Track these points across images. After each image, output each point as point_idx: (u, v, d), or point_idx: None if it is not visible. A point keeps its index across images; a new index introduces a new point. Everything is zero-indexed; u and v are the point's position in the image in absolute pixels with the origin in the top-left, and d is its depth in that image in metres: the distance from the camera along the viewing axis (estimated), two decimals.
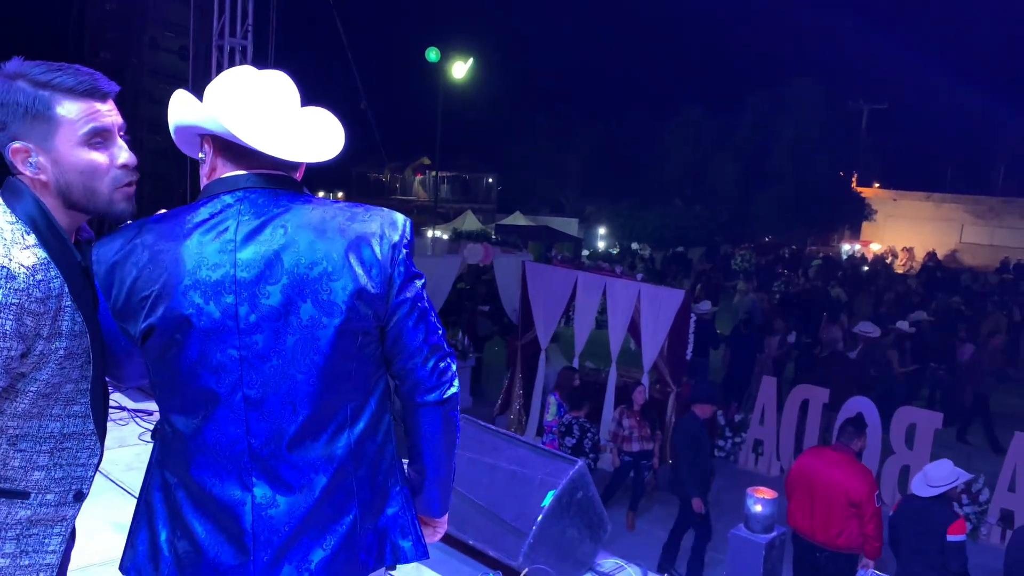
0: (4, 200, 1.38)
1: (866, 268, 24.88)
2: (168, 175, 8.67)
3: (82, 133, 1.36)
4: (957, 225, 33.84)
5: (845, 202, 31.76)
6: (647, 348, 8.27)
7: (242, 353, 1.32)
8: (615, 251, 27.80)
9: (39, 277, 1.31)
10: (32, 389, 1.35)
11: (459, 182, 38.30)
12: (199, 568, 1.36)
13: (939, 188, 35.74)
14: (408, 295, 1.40)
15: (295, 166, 1.44)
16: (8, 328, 1.27)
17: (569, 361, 9.03)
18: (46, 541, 1.43)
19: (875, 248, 31.77)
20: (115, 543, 3.50)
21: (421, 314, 1.42)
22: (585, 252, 25.92)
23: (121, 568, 1.45)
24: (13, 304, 1.27)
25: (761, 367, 9.92)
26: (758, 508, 3.50)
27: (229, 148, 1.39)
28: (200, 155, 1.45)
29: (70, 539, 1.51)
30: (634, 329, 8.57)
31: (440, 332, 1.47)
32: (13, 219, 1.35)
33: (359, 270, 1.35)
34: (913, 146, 35.01)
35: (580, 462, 3.03)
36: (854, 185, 34.36)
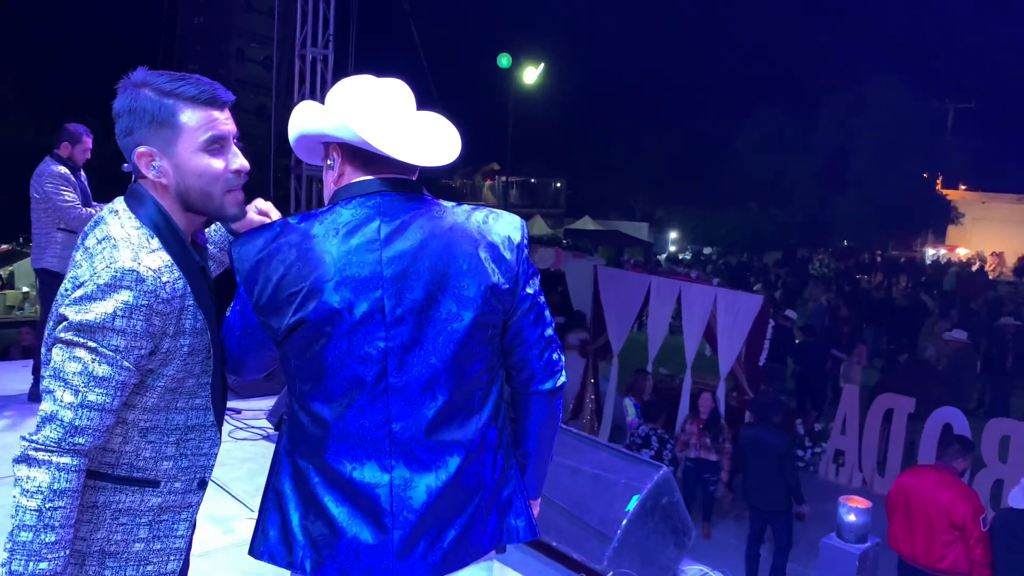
0: (129, 206, 1.47)
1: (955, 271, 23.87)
2: (252, 179, 8.92)
3: (202, 140, 1.44)
4: None
5: (929, 205, 30.58)
6: (724, 355, 8.13)
7: (388, 344, 1.40)
8: (687, 255, 27.42)
9: (164, 279, 1.40)
10: (160, 384, 1.43)
11: (527, 187, 38.41)
12: (336, 549, 1.43)
13: None
14: (530, 291, 1.51)
15: (416, 169, 1.52)
16: (139, 328, 1.36)
17: (643, 367, 8.95)
18: (175, 526, 1.52)
19: (962, 253, 30.48)
20: (208, 533, 3.65)
21: (540, 309, 1.53)
22: (661, 255, 25.65)
23: (252, 553, 1.51)
24: (143, 306, 1.36)
25: (844, 375, 9.63)
26: (852, 517, 3.39)
27: (358, 155, 1.47)
28: (328, 162, 1.52)
29: (193, 525, 1.58)
30: (710, 335, 8.44)
31: (552, 325, 1.56)
32: (138, 224, 1.44)
33: (491, 267, 1.45)
34: (1004, 146, 33.43)
35: (664, 467, 3.00)
36: (939, 187, 33.04)
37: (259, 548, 1.50)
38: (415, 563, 1.42)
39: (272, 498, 1.50)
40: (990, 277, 24.28)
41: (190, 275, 1.45)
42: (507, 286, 1.46)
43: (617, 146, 34.49)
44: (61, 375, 1.32)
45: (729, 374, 8.12)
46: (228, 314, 1.56)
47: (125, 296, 1.34)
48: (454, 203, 1.53)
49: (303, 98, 8.10)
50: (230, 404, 5.54)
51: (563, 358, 1.59)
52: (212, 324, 1.50)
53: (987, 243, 31.12)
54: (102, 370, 1.33)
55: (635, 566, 2.86)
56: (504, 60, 20.34)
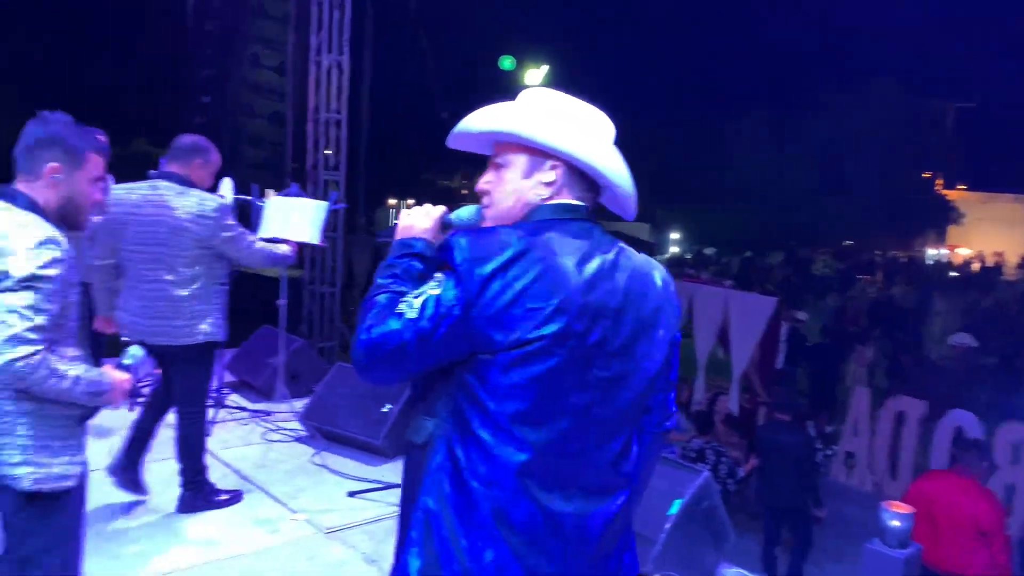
0: None
1: (955, 274, 23.98)
2: (268, 183, 9.00)
3: None
4: None
5: (929, 205, 30.68)
6: (737, 357, 8.23)
7: (602, 375, 1.43)
8: (688, 256, 27.48)
9: None
10: None
11: None
12: None
13: None
14: (679, 335, 1.58)
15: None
16: None
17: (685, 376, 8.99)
18: None
19: (963, 252, 30.59)
20: (254, 534, 3.74)
21: (677, 354, 1.60)
22: (663, 256, 25.70)
23: None
24: None
25: (853, 377, 9.72)
26: (895, 523, 3.47)
27: (584, 179, 1.52)
28: (544, 176, 1.51)
29: None
30: (723, 337, 8.53)
31: None
32: None
33: (672, 315, 1.53)
34: (1004, 146, 33.51)
35: (705, 472, 3.09)
36: (939, 187, 33.16)
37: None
38: None
39: (426, 520, 1.42)
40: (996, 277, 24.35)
41: None
42: (676, 331, 1.55)
43: (616, 145, 34.47)
44: None
45: (742, 376, 8.22)
46: (415, 312, 1.39)
47: None
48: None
49: (319, 103, 8.17)
50: (261, 406, 5.63)
51: None
52: None
53: (987, 243, 31.23)
54: None
55: (678, 569, 2.95)
56: (507, 62, 20.39)
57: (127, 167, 4.93)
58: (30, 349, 1.92)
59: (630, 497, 1.52)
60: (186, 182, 3.59)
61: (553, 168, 1.51)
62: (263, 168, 9.27)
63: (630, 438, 1.52)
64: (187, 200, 3.53)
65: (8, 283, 1.93)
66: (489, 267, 1.36)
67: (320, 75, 8.51)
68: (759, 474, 6.49)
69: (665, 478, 3.13)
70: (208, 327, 3.66)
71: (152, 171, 4.98)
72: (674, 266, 21.26)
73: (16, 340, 1.91)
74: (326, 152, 8.03)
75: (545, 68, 22.59)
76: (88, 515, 2.60)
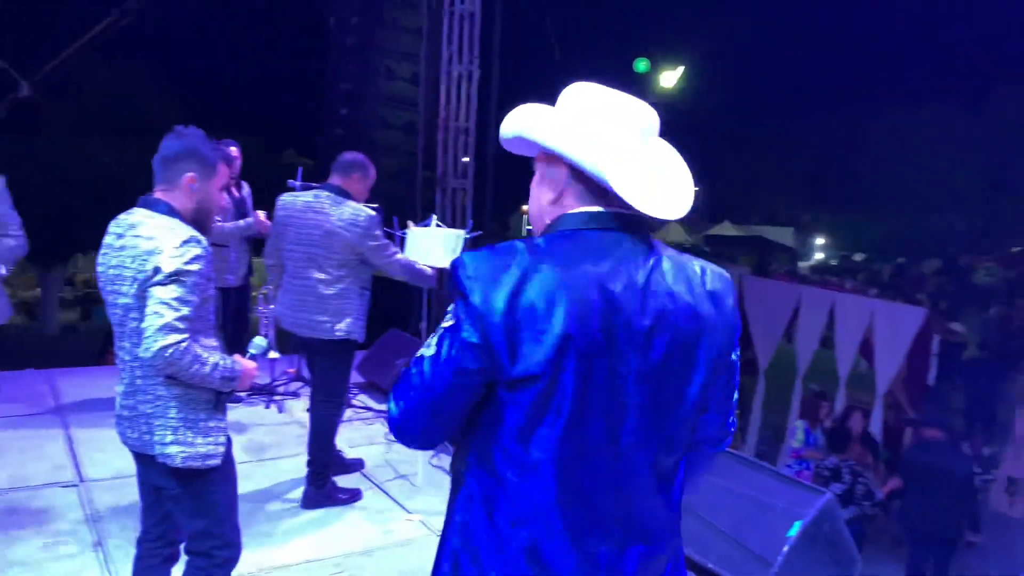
0: None
1: None
2: (400, 195, 9.30)
3: None
4: None
5: None
6: (881, 371, 7.69)
7: (628, 401, 1.30)
8: (835, 263, 26.09)
9: None
10: None
11: None
12: None
13: None
14: (738, 352, 1.44)
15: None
16: None
17: (791, 382, 8.60)
18: None
19: None
20: (368, 533, 3.84)
21: (736, 372, 1.47)
22: (807, 263, 24.55)
23: None
24: None
25: (1018, 396, 8.85)
26: None
27: (588, 183, 1.34)
28: (555, 180, 1.38)
29: None
30: (866, 350, 8.00)
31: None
32: None
33: (719, 331, 1.37)
34: None
35: (828, 493, 2.89)
36: None
37: None
38: None
39: (455, 559, 1.38)
40: None
41: None
42: (728, 350, 1.39)
43: (759, 147, 33.23)
44: None
45: (887, 392, 7.67)
46: (433, 350, 1.32)
47: None
48: (666, 247, 1.41)
49: (449, 113, 8.36)
50: (386, 407, 5.79)
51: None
52: None
53: None
54: None
55: None
56: (641, 65, 20.15)
57: (279, 176, 5.31)
58: (178, 337, 2.13)
59: (676, 533, 1.41)
60: (344, 194, 3.92)
61: (557, 171, 1.37)
62: (396, 177, 9.58)
63: (675, 468, 1.39)
64: (342, 209, 3.86)
65: (159, 278, 2.14)
66: (497, 288, 1.25)
67: (451, 85, 8.70)
68: (903, 497, 6.01)
69: (785, 497, 2.95)
70: (347, 326, 3.93)
71: (291, 180, 5.34)
72: (816, 273, 20.23)
73: (167, 329, 2.12)
74: (464, 160, 8.20)
75: (681, 70, 22.15)
76: None
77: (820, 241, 30.92)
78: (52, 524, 3.69)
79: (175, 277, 2.15)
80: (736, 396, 1.48)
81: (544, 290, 1.24)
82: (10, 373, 5.70)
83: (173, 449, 2.26)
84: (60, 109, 11.62)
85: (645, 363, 1.29)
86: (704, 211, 37.61)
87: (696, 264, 1.39)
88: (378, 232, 3.93)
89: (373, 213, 3.95)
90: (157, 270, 2.14)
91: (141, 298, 2.17)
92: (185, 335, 2.15)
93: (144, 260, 2.17)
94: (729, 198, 34.03)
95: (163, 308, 2.12)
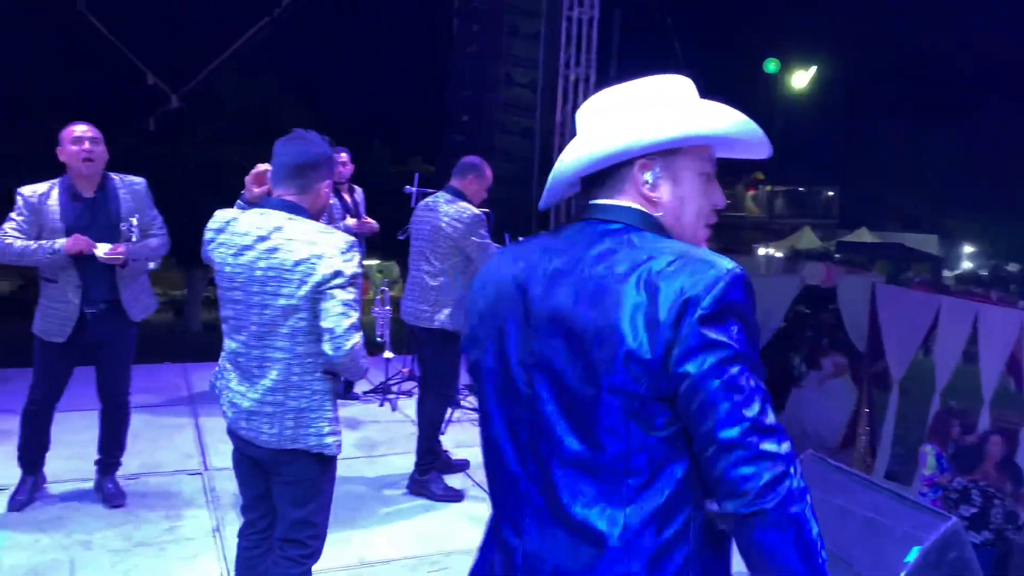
0: None
1: None
2: (517, 200, 9.38)
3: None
4: None
5: None
6: None
7: (524, 392, 1.32)
8: (984, 272, 24.19)
9: None
10: None
11: (795, 196, 36.18)
12: None
13: None
14: (709, 358, 1.26)
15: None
16: None
17: (928, 397, 8.01)
18: None
19: None
20: (472, 534, 3.84)
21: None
22: (952, 272, 22.95)
23: None
24: None
25: None
26: None
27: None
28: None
29: None
30: (1015, 366, 7.35)
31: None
32: None
33: (645, 323, 1.20)
34: None
35: (954, 518, 2.65)
36: None
37: None
38: None
39: None
40: None
41: None
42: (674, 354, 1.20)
43: (899, 148, 31.28)
44: None
45: None
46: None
47: None
48: None
49: (565, 117, 8.36)
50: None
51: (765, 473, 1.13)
52: None
53: None
54: None
55: None
56: (771, 65, 19.49)
57: (405, 182, 5.58)
58: (360, 335, 2.32)
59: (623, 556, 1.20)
60: (459, 194, 4.20)
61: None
62: (512, 182, 9.66)
63: (613, 473, 1.20)
64: (451, 208, 4.15)
65: (339, 281, 2.28)
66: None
67: (567, 89, 8.68)
68: None
69: (904, 519, 2.73)
70: (445, 317, 4.16)
71: (407, 187, 5.57)
72: (960, 283, 18.82)
73: (354, 328, 2.29)
74: None
75: (813, 70, 21.25)
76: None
77: (968, 249, 28.78)
78: (176, 509, 3.94)
79: (352, 280, 2.30)
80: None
81: (477, 288, 1.44)
82: (150, 366, 6.15)
83: (331, 439, 2.40)
84: (204, 119, 12.48)
85: (542, 354, 1.32)
86: (838, 216, 35.89)
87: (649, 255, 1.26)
88: (482, 231, 4.15)
89: (477, 212, 4.16)
90: (338, 273, 2.26)
91: (314, 300, 2.27)
92: (360, 332, 2.31)
93: (312, 264, 2.26)
94: (866, 203, 32.23)
95: (348, 309, 2.27)
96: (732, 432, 1.12)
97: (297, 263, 2.26)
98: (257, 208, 2.42)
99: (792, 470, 1.14)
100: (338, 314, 2.25)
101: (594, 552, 1.20)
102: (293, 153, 2.39)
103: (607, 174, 1.33)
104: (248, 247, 2.32)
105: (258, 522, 2.62)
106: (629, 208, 1.32)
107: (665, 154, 1.31)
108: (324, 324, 2.26)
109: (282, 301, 2.28)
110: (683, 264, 1.18)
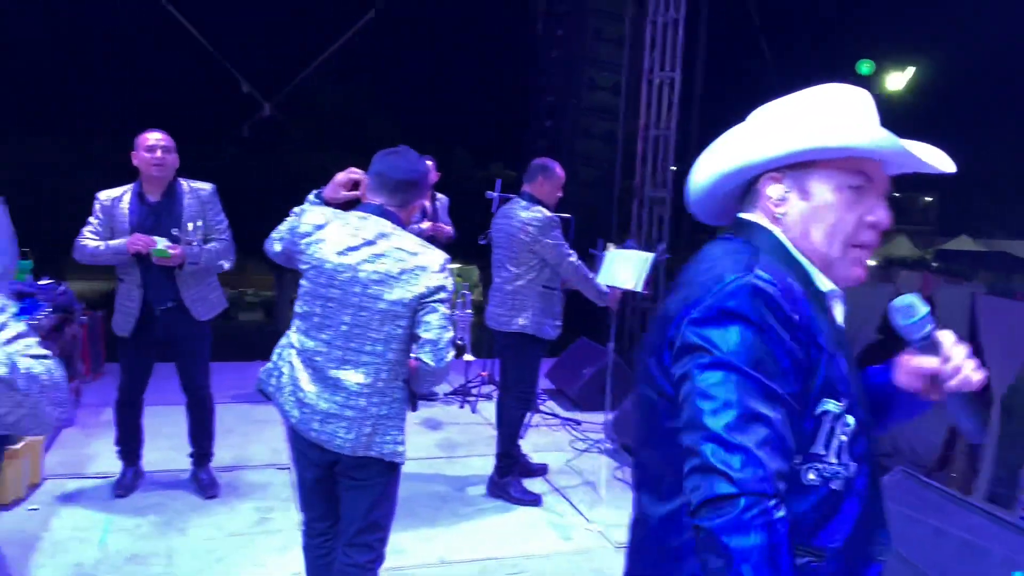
0: None
1: None
2: (598, 205, 9.35)
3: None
4: None
5: None
6: None
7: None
8: None
9: None
10: None
11: (890, 202, 34.73)
12: None
13: None
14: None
15: None
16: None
17: None
18: None
19: None
20: (548, 538, 3.86)
21: None
22: None
23: None
24: None
25: None
26: None
27: None
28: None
29: None
30: None
31: None
32: None
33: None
34: None
35: None
36: None
37: None
38: None
39: None
40: None
41: None
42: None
43: (1003, 151, 29.64)
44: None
45: None
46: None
47: None
48: None
49: (649, 122, 8.27)
50: (572, 415, 5.84)
51: None
52: None
53: None
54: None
55: None
56: (865, 67, 18.80)
57: (488, 187, 5.65)
58: (454, 349, 2.42)
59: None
60: (532, 199, 4.22)
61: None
62: (593, 187, 9.63)
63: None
64: (525, 213, 4.18)
65: (442, 295, 2.38)
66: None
67: (651, 93, 8.61)
68: None
69: (1003, 543, 2.59)
70: (524, 320, 4.20)
71: (489, 192, 5.64)
72: None
73: (451, 342, 2.39)
74: (671, 168, 8.11)
75: (910, 71, 20.38)
76: (406, 495, 2.92)
77: None
78: (266, 501, 4.09)
79: (449, 295, 2.39)
80: None
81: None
82: (242, 364, 6.40)
83: (401, 448, 2.45)
84: (296, 127, 12.91)
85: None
86: (937, 224, 34.28)
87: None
88: (555, 233, 4.16)
89: (549, 215, 4.17)
90: (442, 288, 2.35)
91: (415, 310, 2.34)
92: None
93: (416, 275, 2.33)
94: (967, 210, 30.68)
95: (447, 323, 2.36)
96: (690, 437, 1.12)
97: (403, 272, 2.32)
98: (356, 212, 2.45)
99: (752, 499, 1.03)
100: (440, 327, 2.32)
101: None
102: (402, 169, 2.43)
103: (747, 188, 1.36)
104: (354, 248, 2.35)
105: (317, 523, 2.63)
106: (751, 223, 1.32)
107: (796, 167, 1.29)
108: (426, 335, 2.32)
109: (382, 305, 2.32)
110: (707, 270, 1.23)
